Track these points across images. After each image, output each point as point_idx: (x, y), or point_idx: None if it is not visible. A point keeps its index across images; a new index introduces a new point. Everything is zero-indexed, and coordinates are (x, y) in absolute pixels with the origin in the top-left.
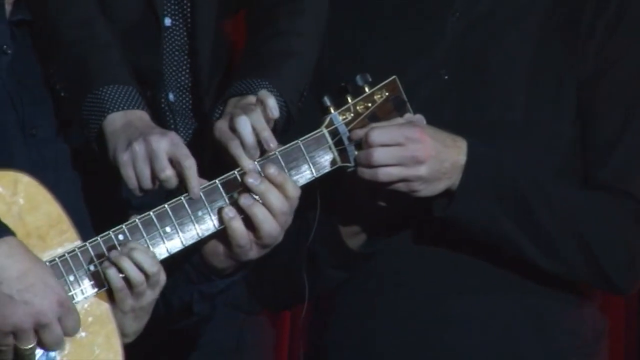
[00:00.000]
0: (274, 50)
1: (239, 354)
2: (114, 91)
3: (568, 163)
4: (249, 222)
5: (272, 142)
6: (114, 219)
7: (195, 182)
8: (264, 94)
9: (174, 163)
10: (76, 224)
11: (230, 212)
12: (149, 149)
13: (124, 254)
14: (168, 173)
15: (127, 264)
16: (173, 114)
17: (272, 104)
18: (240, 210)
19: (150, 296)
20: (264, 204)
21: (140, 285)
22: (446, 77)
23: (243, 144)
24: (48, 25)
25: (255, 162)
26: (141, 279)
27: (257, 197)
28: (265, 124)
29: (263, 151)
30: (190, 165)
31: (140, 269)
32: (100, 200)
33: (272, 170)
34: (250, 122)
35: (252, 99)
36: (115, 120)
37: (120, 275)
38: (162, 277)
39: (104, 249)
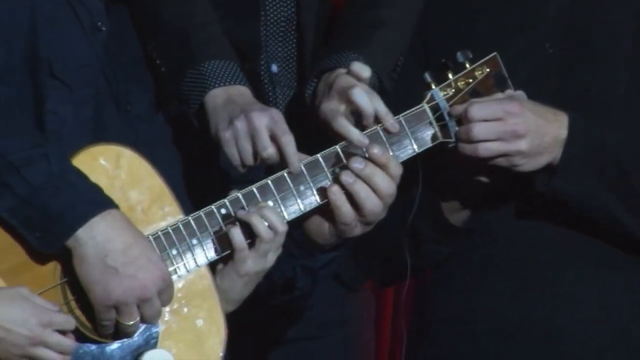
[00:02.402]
0: (364, 21)
1: (341, 327)
2: (215, 66)
3: None
4: (352, 199)
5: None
6: (212, 194)
7: (295, 158)
8: (357, 65)
9: (274, 139)
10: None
11: (336, 190)
12: (250, 126)
13: (254, 212)
14: (270, 151)
15: (257, 220)
16: (273, 85)
17: (358, 67)
18: (343, 187)
19: (270, 260)
20: (370, 186)
21: (267, 241)
22: (551, 51)
23: (362, 113)
24: (147, 1)
25: None
26: (270, 235)
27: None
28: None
29: (363, 127)
30: (288, 141)
31: (270, 226)
32: (198, 175)
33: (375, 150)
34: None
35: (342, 71)
36: (217, 96)
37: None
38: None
39: (207, 223)
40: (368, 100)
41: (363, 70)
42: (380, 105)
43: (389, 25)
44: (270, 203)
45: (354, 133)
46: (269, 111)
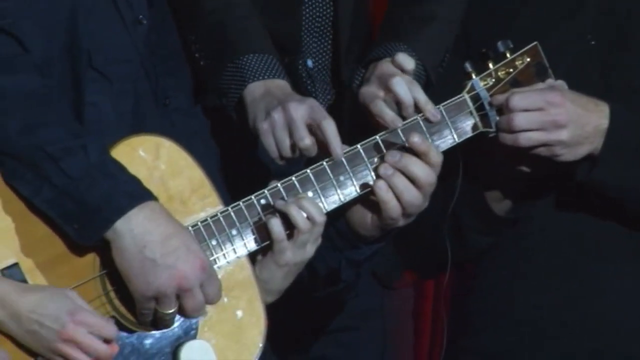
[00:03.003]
0: (414, 14)
1: (380, 318)
2: (254, 60)
3: None
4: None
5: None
6: (252, 186)
7: (337, 142)
8: (402, 57)
9: (314, 129)
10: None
11: (382, 185)
12: (288, 117)
13: (292, 202)
14: (307, 142)
15: (295, 211)
16: (312, 80)
17: (402, 58)
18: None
19: (309, 251)
20: (408, 177)
21: (305, 232)
22: (593, 42)
23: (401, 103)
24: None
25: (398, 129)
26: (308, 226)
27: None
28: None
29: (404, 118)
30: (328, 125)
31: (308, 216)
32: (237, 167)
33: (415, 138)
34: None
35: (386, 59)
36: (255, 90)
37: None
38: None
39: (246, 214)
40: (407, 90)
41: (407, 62)
42: (420, 95)
43: (438, 20)
44: (310, 194)
45: (387, 114)
46: (306, 101)
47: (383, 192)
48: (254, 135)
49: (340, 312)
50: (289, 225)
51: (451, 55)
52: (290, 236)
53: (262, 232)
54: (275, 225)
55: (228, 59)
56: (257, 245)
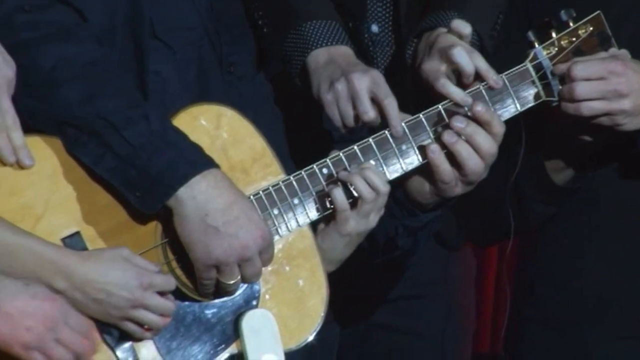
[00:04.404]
0: None
1: (444, 286)
2: (317, 27)
3: None
4: (453, 159)
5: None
6: (314, 154)
7: (397, 121)
8: (458, 23)
9: (375, 101)
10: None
11: (435, 149)
12: (351, 88)
13: (356, 172)
14: (371, 115)
15: (359, 181)
16: (374, 45)
17: (458, 24)
18: (444, 146)
19: (372, 221)
20: (472, 146)
21: (369, 202)
22: None
23: (463, 73)
24: None
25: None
26: (372, 195)
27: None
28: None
29: (464, 86)
30: (390, 103)
31: (372, 186)
32: (301, 136)
33: (479, 107)
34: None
35: (442, 30)
36: (319, 57)
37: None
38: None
39: (308, 183)
40: (469, 59)
41: (463, 26)
42: (481, 62)
43: None
44: (372, 162)
45: (456, 93)
46: (369, 73)
47: (435, 155)
48: (318, 104)
49: (401, 279)
50: (352, 195)
51: (512, 25)
52: (353, 205)
53: (324, 201)
54: (339, 195)
55: (291, 26)
56: (319, 214)
